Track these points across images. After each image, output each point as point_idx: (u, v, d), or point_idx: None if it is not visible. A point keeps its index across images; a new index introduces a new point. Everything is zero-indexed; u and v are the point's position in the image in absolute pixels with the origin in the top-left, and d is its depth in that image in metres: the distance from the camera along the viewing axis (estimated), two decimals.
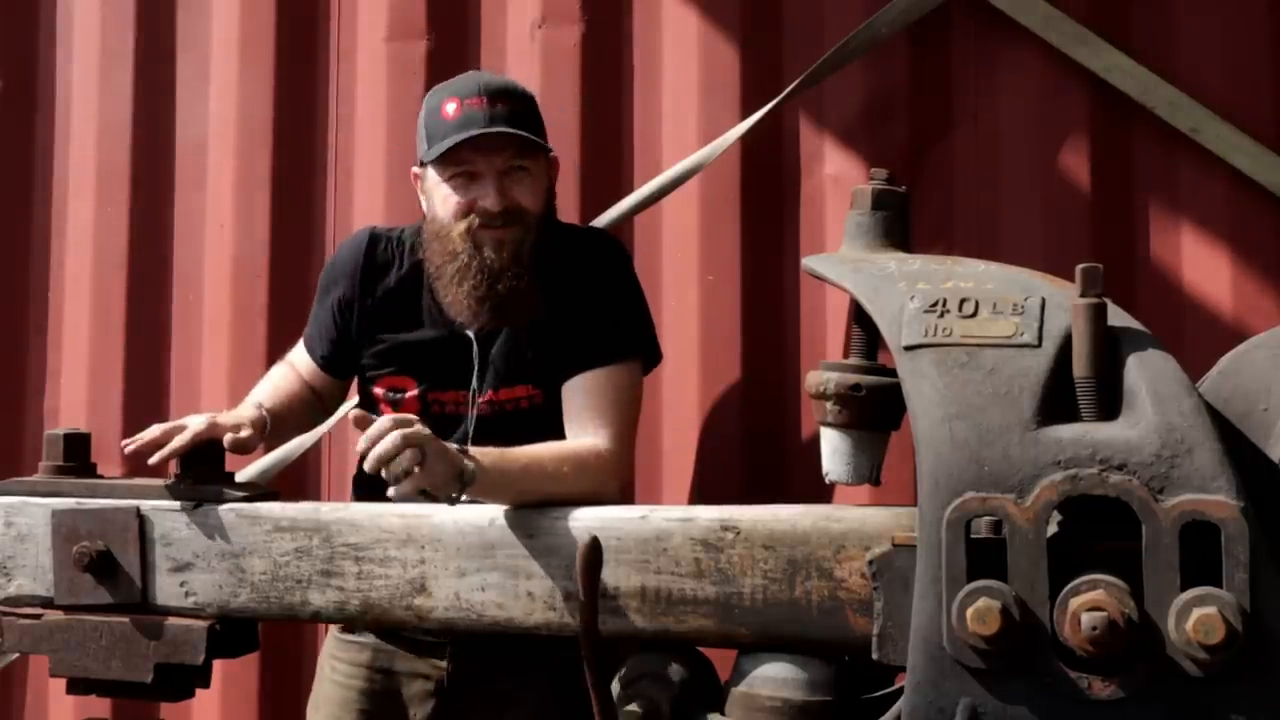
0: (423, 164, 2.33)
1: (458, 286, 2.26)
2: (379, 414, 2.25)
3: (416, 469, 1.88)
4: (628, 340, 2.33)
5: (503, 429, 2.23)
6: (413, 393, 2.34)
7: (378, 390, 2.37)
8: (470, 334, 2.31)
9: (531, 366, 2.30)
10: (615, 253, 2.41)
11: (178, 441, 2.10)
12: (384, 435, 1.88)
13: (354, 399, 2.57)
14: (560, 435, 2.23)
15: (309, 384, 2.47)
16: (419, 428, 1.91)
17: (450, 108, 2.27)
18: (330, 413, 2.59)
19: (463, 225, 2.25)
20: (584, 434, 2.21)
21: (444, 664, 2.33)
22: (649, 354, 2.39)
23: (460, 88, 2.31)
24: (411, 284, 2.37)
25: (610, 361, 2.27)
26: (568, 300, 2.29)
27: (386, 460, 1.87)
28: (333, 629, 2.45)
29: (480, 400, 2.31)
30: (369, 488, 2.34)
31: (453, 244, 2.26)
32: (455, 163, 2.25)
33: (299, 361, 2.50)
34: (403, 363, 2.35)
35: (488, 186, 2.24)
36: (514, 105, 2.30)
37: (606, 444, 2.20)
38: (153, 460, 2.11)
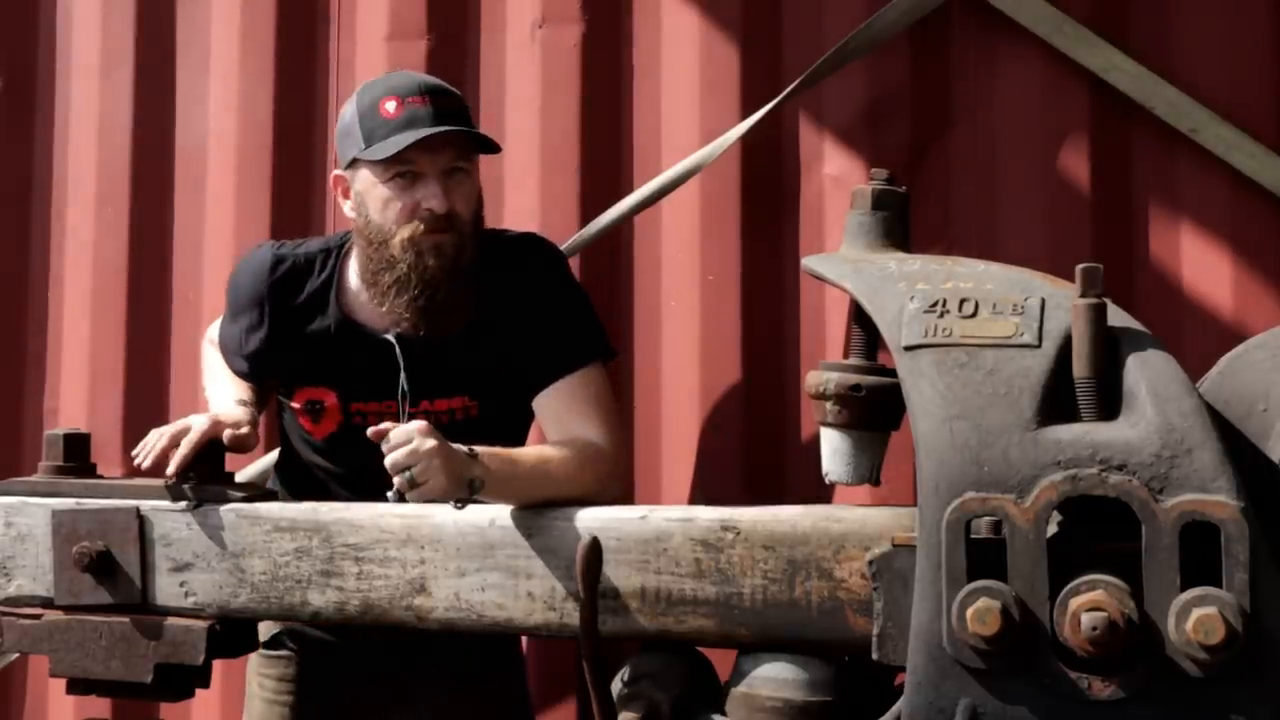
0: (352, 164, 2.24)
1: (396, 296, 2.19)
2: (301, 427, 2.31)
3: (427, 482, 1.88)
4: (588, 343, 2.30)
5: None
6: (332, 402, 2.30)
7: (296, 405, 2.33)
8: (391, 338, 2.26)
9: (467, 377, 2.27)
10: (553, 257, 2.36)
11: (186, 449, 2.09)
12: (399, 445, 1.89)
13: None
14: (495, 441, 2.15)
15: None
16: (432, 441, 1.90)
17: (390, 105, 2.19)
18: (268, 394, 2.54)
19: (406, 232, 2.17)
20: (575, 436, 2.19)
21: (376, 677, 2.36)
22: (606, 352, 2.36)
23: (397, 85, 2.24)
24: (321, 297, 2.31)
25: (579, 366, 2.25)
26: (508, 310, 2.25)
27: (399, 470, 1.88)
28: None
29: (410, 410, 2.26)
30: (302, 488, 2.38)
31: (391, 251, 2.18)
32: (398, 162, 2.17)
33: (228, 378, 2.43)
34: (318, 374, 2.30)
35: (432, 187, 2.17)
36: (455, 103, 2.26)
37: (604, 443, 2.20)
38: (170, 471, 2.10)
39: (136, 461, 2.12)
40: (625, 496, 2.71)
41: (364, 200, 2.23)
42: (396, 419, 2.21)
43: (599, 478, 2.13)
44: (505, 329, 2.25)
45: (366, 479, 2.10)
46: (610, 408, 2.27)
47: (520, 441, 2.32)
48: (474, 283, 2.23)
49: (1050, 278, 1.73)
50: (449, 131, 2.17)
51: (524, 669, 2.53)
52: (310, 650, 2.38)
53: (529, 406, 2.28)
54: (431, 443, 1.89)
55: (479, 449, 1.98)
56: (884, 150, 2.72)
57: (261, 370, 2.37)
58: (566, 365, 2.24)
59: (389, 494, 1.93)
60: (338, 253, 2.34)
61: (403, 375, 2.26)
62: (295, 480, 2.41)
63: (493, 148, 2.29)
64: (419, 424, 1.94)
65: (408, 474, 1.88)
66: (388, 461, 1.89)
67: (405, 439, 1.90)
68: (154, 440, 2.12)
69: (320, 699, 2.39)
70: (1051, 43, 2.66)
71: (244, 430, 2.17)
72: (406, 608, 1.99)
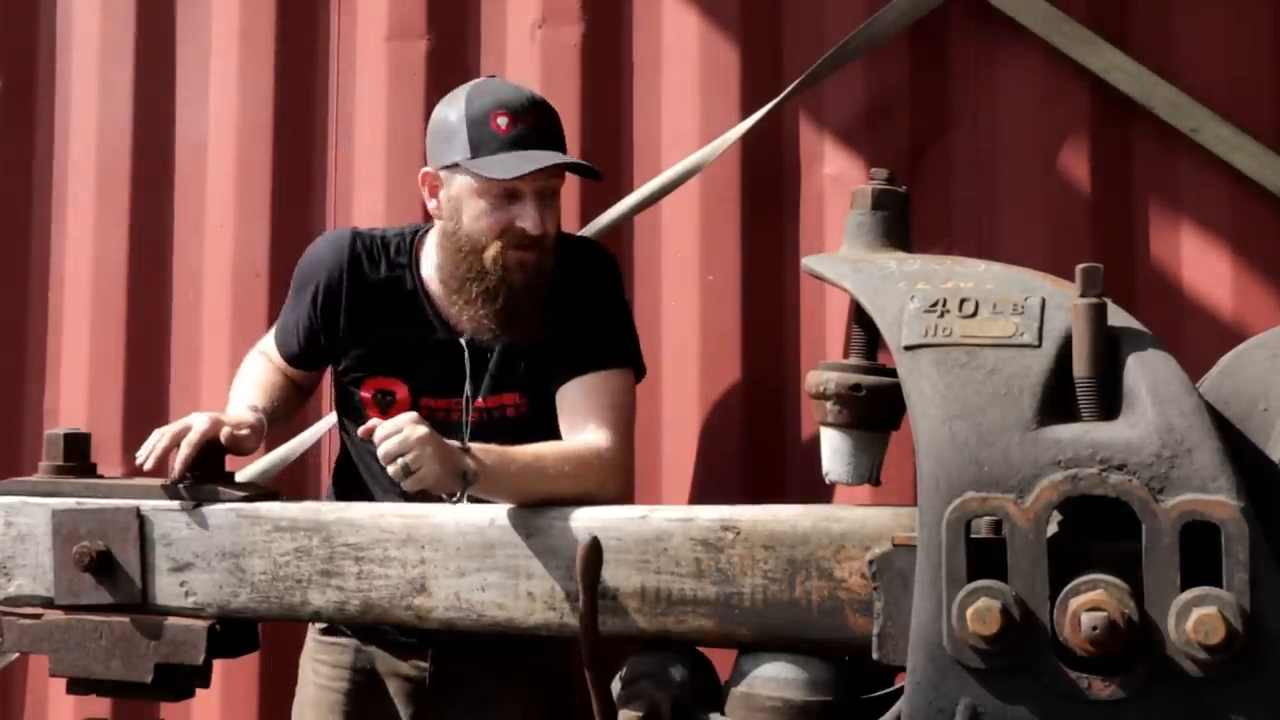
0: (451, 166, 2.24)
1: (480, 304, 2.22)
2: (366, 417, 2.27)
3: (420, 469, 1.91)
4: (622, 348, 2.33)
5: (490, 437, 2.19)
6: (403, 395, 2.31)
7: (365, 394, 2.34)
8: (462, 341, 2.29)
9: (521, 376, 2.30)
10: (608, 264, 2.39)
11: (187, 449, 2.10)
12: (389, 436, 1.92)
13: (334, 414, 2.58)
14: (543, 436, 2.22)
15: (287, 375, 2.46)
16: (422, 429, 1.93)
17: (502, 121, 2.21)
18: (309, 398, 2.58)
19: (496, 247, 2.20)
20: (583, 435, 2.20)
21: (425, 664, 2.35)
22: (639, 366, 2.37)
23: (508, 100, 2.24)
24: (397, 287, 2.33)
25: (605, 366, 2.27)
26: (562, 311, 2.28)
27: (391, 458, 1.91)
28: (312, 631, 2.46)
29: (474, 406, 2.30)
30: (350, 486, 2.41)
31: (481, 263, 2.21)
32: (503, 181, 2.19)
33: (273, 352, 2.47)
34: (392, 364, 2.32)
35: (527, 208, 2.20)
36: (558, 124, 2.29)
37: (606, 444, 2.19)
38: (175, 472, 2.11)
39: (139, 461, 2.13)
40: (625, 498, 2.72)
41: (459, 206, 2.24)
42: (461, 414, 2.27)
43: (600, 481, 2.13)
44: (560, 330, 2.28)
45: None
46: (625, 415, 2.27)
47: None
48: (549, 295, 2.26)
49: (1050, 278, 1.73)
50: (563, 165, 2.23)
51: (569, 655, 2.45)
52: (365, 637, 2.38)
53: None
54: (421, 430, 1.93)
55: (473, 445, 2.01)
56: (884, 150, 2.72)
57: (318, 351, 2.38)
58: (593, 363, 2.26)
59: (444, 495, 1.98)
60: (411, 240, 2.36)
61: (469, 372, 2.28)
62: (349, 491, 2.41)
63: (595, 176, 2.35)
64: (409, 415, 1.97)
65: (401, 462, 1.90)
66: (381, 451, 1.92)
67: (395, 429, 1.93)
68: (155, 440, 2.13)
69: (373, 687, 2.39)
70: (1051, 43, 2.66)
71: (243, 432, 2.18)
72: (407, 607, 1.99)
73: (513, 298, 2.22)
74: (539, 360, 2.29)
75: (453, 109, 2.26)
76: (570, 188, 2.83)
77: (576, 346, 2.27)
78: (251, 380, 2.43)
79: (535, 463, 2.06)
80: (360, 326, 2.33)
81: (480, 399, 2.30)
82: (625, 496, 2.29)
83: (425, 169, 2.32)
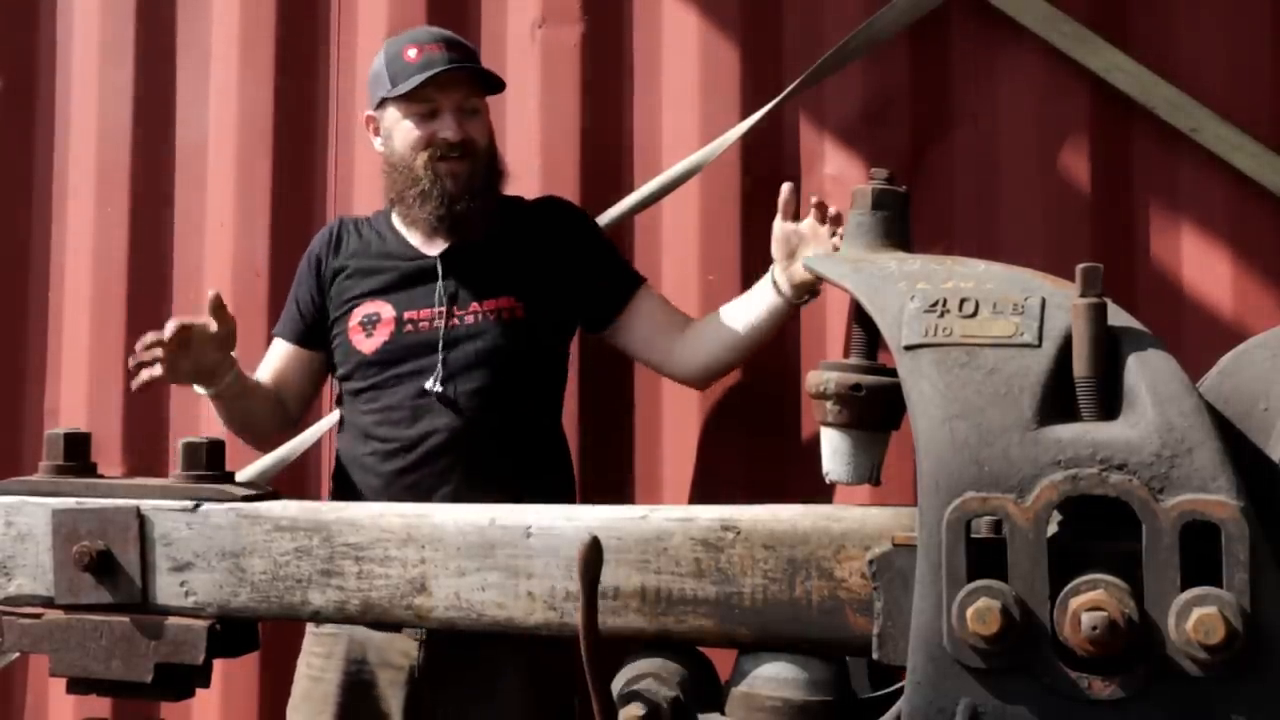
0: (382, 103, 2.55)
1: (420, 208, 2.50)
2: (355, 351, 2.52)
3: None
4: (632, 270, 2.69)
5: (482, 339, 2.47)
6: (388, 314, 2.51)
7: (352, 323, 2.53)
8: (434, 254, 2.54)
9: (508, 281, 2.52)
10: (579, 209, 2.72)
11: (172, 329, 2.37)
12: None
13: (336, 411, 2.66)
14: (540, 344, 2.54)
15: (276, 386, 2.63)
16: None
17: (411, 52, 2.51)
18: (292, 412, 2.69)
19: (424, 155, 2.49)
20: (678, 330, 2.59)
21: (415, 653, 2.37)
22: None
23: (417, 36, 2.58)
24: (374, 238, 2.62)
25: (640, 284, 2.65)
26: (540, 225, 2.60)
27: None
28: (309, 628, 2.47)
29: (459, 313, 2.49)
30: (346, 487, 2.51)
31: (414, 172, 2.50)
32: (419, 100, 2.50)
33: (268, 363, 2.68)
34: (373, 291, 2.55)
35: (447, 120, 2.50)
36: (468, 52, 2.59)
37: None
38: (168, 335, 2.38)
39: (135, 383, 2.43)
40: (625, 496, 2.72)
41: (390, 134, 2.56)
42: (444, 324, 2.49)
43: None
44: (541, 241, 2.58)
45: (409, 391, 2.45)
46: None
47: (565, 341, 2.64)
48: (492, 198, 2.56)
49: (1050, 278, 1.72)
50: (459, 69, 2.50)
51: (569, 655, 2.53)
52: (356, 630, 2.42)
53: (570, 311, 2.61)
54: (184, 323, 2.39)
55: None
56: (884, 150, 2.72)
57: (317, 315, 2.62)
58: (633, 285, 2.63)
59: (426, 384, 2.39)
60: (388, 209, 2.65)
61: (439, 284, 2.51)
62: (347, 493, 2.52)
63: (497, 85, 2.59)
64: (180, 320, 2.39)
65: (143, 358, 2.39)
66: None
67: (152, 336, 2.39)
68: (144, 352, 2.38)
69: (366, 677, 2.43)
70: (1051, 43, 2.66)
71: (212, 328, 2.40)
72: (407, 607, 1.98)
73: (449, 201, 2.49)
74: (530, 266, 2.54)
75: (378, 57, 2.60)
76: (570, 188, 2.85)
77: (606, 281, 2.61)
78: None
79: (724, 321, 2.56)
80: (344, 274, 2.59)
81: (475, 303, 2.49)
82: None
83: (367, 113, 2.65)
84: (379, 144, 2.61)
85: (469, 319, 2.49)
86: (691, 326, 2.60)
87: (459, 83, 2.52)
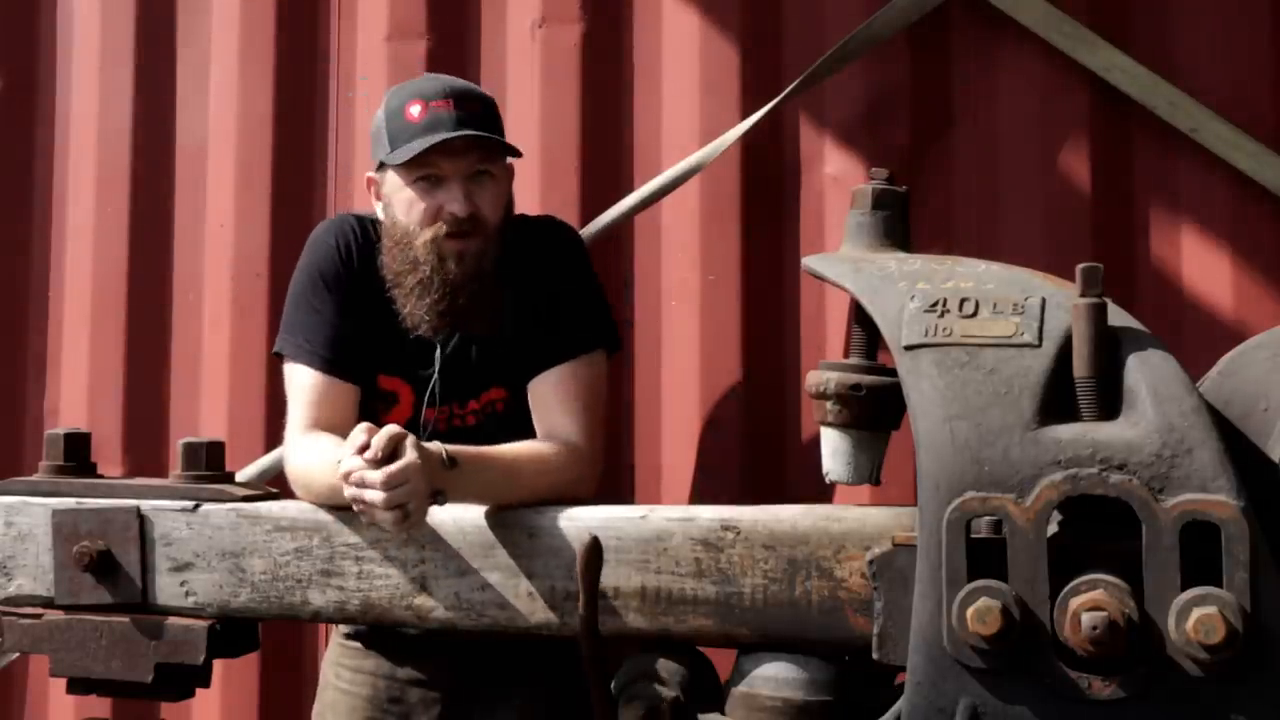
0: (381, 166, 2.26)
1: (418, 299, 2.20)
2: (369, 408, 2.25)
3: (415, 512, 1.89)
4: (591, 332, 2.29)
5: (477, 434, 2.19)
6: (406, 397, 2.30)
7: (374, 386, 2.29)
8: (434, 342, 2.27)
9: (501, 369, 2.28)
10: (572, 243, 2.38)
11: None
12: (400, 483, 1.86)
13: None
14: (526, 422, 2.22)
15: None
16: (399, 466, 1.86)
17: (415, 110, 2.21)
18: None
19: (428, 234, 2.19)
20: (555, 430, 2.19)
21: (447, 670, 2.34)
22: (611, 343, 2.36)
23: (423, 89, 2.25)
24: (378, 286, 2.27)
25: (572, 355, 2.24)
26: (531, 299, 2.26)
27: (393, 505, 1.87)
28: (336, 636, 2.44)
29: (458, 411, 2.29)
30: None
31: (415, 253, 2.19)
32: (421, 166, 2.19)
33: (338, 409, 2.26)
34: (385, 354, 2.28)
35: (454, 191, 2.19)
36: (479, 108, 2.26)
37: (579, 439, 2.18)
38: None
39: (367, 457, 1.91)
40: (622, 496, 2.72)
41: (390, 202, 2.25)
42: (446, 425, 2.25)
43: (574, 479, 2.12)
44: (531, 319, 2.25)
45: None
46: (594, 404, 2.25)
47: None
48: (501, 285, 2.23)
49: (1050, 278, 1.73)
50: (466, 137, 2.18)
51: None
52: (389, 643, 2.35)
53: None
54: (417, 470, 1.87)
55: (449, 448, 1.96)
56: (884, 150, 2.72)
57: (350, 345, 2.27)
58: (565, 352, 2.24)
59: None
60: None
61: (437, 377, 2.26)
62: None
63: (513, 152, 2.29)
64: (409, 458, 1.88)
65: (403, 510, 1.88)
66: (382, 499, 1.86)
67: (403, 476, 1.87)
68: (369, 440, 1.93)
69: (396, 692, 2.36)
70: (1051, 42, 2.66)
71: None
72: (407, 607, 1.99)
73: (451, 291, 2.19)
74: (516, 352, 2.26)
75: (379, 111, 2.29)
76: (570, 188, 2.85)
77: (540, 338, 2.24)
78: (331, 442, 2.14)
79: (512, 467, 2.03)
80: (373, 316, 2.27)
81: (473, 402, 2.30)
82: (620, 496, 2.27)
83: (368, 175, 2.35)
84: (380, 210, 2.30)
85: (469, 419, 2.30)
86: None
87: (470, 146, 2.19)
